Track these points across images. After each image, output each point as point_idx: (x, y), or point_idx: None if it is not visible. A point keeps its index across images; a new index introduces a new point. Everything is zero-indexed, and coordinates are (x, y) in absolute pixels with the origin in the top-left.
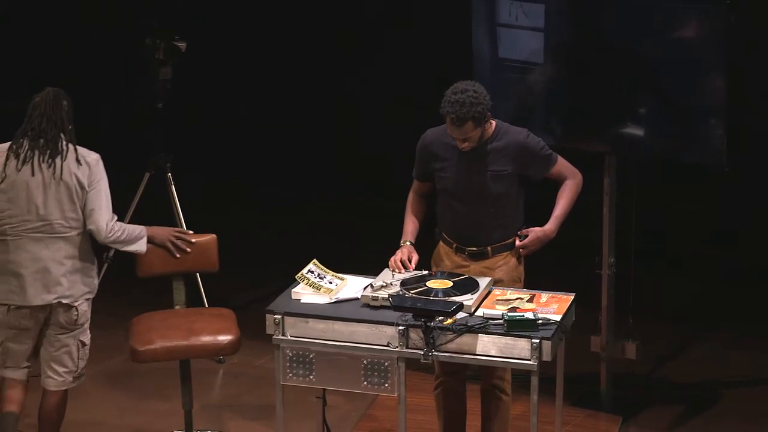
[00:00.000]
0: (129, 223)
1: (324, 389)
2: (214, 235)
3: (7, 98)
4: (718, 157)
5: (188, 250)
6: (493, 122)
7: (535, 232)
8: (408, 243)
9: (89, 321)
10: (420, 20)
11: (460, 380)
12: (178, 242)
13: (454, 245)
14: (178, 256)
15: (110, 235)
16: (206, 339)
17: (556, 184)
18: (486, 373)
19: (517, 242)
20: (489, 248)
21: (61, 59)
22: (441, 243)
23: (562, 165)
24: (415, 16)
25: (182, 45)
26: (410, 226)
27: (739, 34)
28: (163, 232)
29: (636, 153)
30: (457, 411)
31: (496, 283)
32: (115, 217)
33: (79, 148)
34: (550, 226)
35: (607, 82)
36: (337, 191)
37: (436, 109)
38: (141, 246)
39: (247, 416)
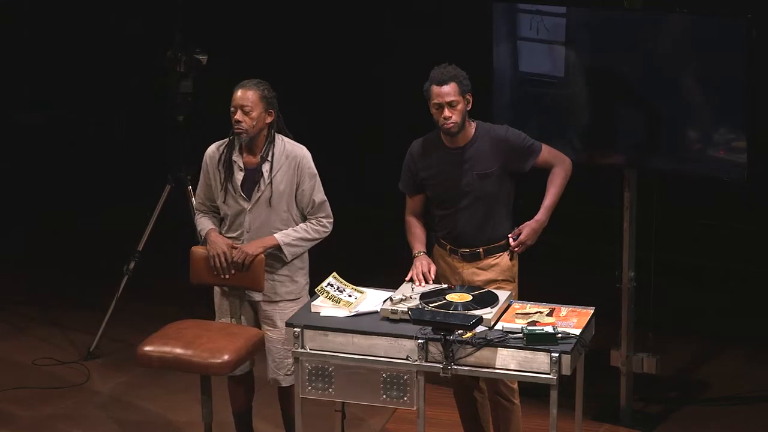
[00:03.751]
0: (149, 235)
1: (343, 402)
2: (262, 256)
3: (24, 109)
4: (740, 172)
5: (225, 276)
6: (474, 123)
7: (528, 226)
8: (422, 253)
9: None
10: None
11: (474, 386)
12: (216, 261)
13: (448, 247)
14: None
15: None
16: (199, 354)
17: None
18: (489, 382)
19: (512, 242)
20: (481, 249)
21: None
22: (435, 246)
23: (547, 153)
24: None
25: (203, 58)
26: (417, 237)
27: (760, 48)
28: (216, 245)
29: (656, 167)
30: (474, 416)
31: (489, 283)
32: (198, 211)
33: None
34: (541, 216)
35: (627, 96)
36: (358, 204)
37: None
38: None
39: (267, 429)
